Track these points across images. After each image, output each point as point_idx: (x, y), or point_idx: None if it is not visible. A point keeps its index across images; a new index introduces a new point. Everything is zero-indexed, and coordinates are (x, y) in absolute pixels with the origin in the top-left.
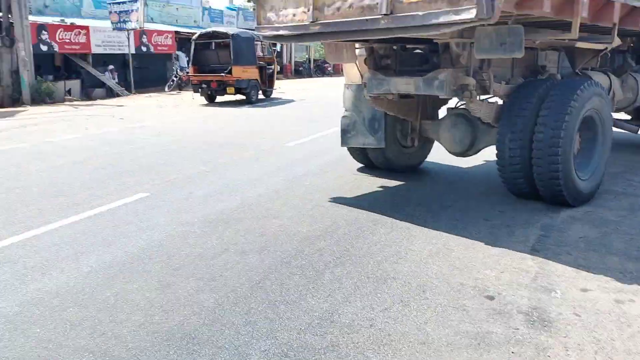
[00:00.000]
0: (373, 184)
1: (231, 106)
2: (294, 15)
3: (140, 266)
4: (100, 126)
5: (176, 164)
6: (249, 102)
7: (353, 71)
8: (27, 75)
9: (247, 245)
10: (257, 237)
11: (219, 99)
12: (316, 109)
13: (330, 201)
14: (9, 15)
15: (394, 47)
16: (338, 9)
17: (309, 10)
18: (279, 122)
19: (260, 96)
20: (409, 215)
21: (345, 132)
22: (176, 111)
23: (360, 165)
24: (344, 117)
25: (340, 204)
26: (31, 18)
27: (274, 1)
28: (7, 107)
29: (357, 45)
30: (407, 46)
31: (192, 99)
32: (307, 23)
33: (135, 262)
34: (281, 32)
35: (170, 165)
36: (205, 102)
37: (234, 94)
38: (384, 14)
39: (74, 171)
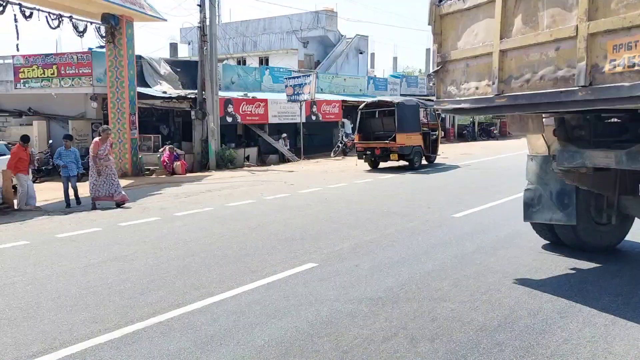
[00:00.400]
0: (558, 265)
1: (394, 172)
2: (477, 88)
3: (310, 345)
4: (273, 192)
5: (342, 232)
6: (412, 168)
7: (539, 142)
8: (214, 144)
9: (417, 331)
10: (428, 323)
11: (382, 164)
12: (483, 176)
13: (507, 285)
14: (203, 92)
15: (587, 117)
16: (527, 81)
17: (493, 83)
18: (444, 190)
19: (424, 162)
20: (605, 307)
21: (529, 206)
22: (341, 177)
23: (545, 242)
24: (527, 190)
25: (519, 288)
26: (220, 94)
27: (455, 75)
28: (196, 172)
29: (544, 115)
30: (603, 115)
31: (356, 165)
32: (491, 96)
33: (305, 340)
34: (462, 106)
35: (336, 233)
36: (369, 168)
37: (397, 160)
38: (582, 86)
39: (249, 236)
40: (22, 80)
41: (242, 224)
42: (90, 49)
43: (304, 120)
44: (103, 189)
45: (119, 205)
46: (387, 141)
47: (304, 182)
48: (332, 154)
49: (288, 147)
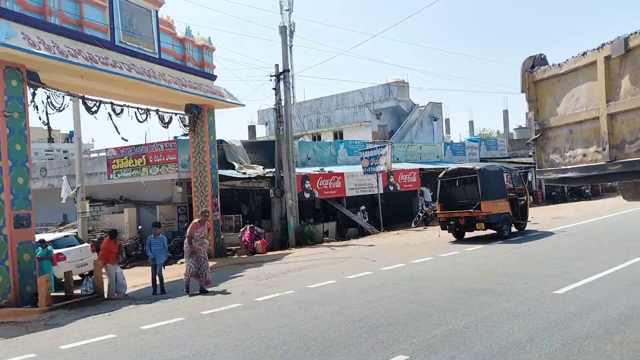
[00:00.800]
0: None
1: (482, 242)
2: (584, 155)
3: None
4: (355, 270)
5: (432, 316)
6: (501, 237)
7: None
8: (293, 221)
9: None
10: None
11: (467, 234)
12: (582, 243)
13: None
14: (280, 170)
15: None
16: None
17: (604, 150)
18: (540, 261)
19: (513, 229)
20: None
21: None
22: (424, 250)
23: None
24: None
25: None
26: (297, 170)
27: (557, 142)
28: (277, 250)
29: None
30: None
31: (439, 236)
32: (603, 163)
33: None
34: (570, 175)
35: (426, 317)
36: (453, 238)
37: (484, 230)
38: None
39: (332, 323)
40: (114, 171)
41: (324, 309)
42: (175, 137)
43: (381, 191)
44: (194, 270)
45: (202, 290)
46: (472, 210)
47: (386, 258)
48: (412, 224)
49: (367, 219)
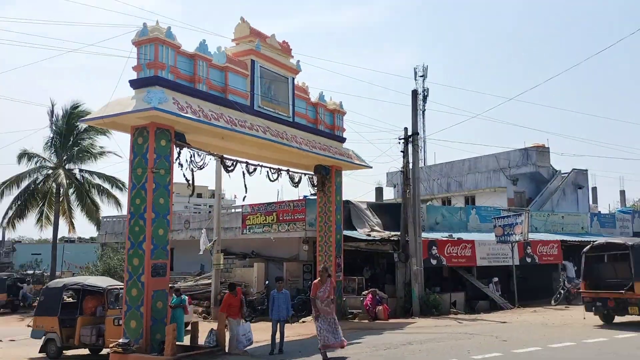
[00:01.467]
0: None
1: (636, 329)
2: None
3: None
4: (482, 349)
5: None
6: None
7: None
8: (417, 288)
9: None
10: None
11: (618, 319)
12: None
13: None
14: (406, 234)
15: None
16: None
17: None
18: None
19: None
20: None
21: None
22: (566, 333)
23: None
24: None
25: None
26: (423, 235)
27: None
28: (399, 318)
29: None
30: None
31: (584, 318)
32: None
33: None
34: None
35: None
36: (600, 322)
37: (639, 315)
38: None
39: None
40: (247, 227)
41: None
42: (305, 196)
43: (516, 262)
44: (330, 334)
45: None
46: (623, 291)
47: (519, 338)
48: (552, 302)
49: (499, 292)
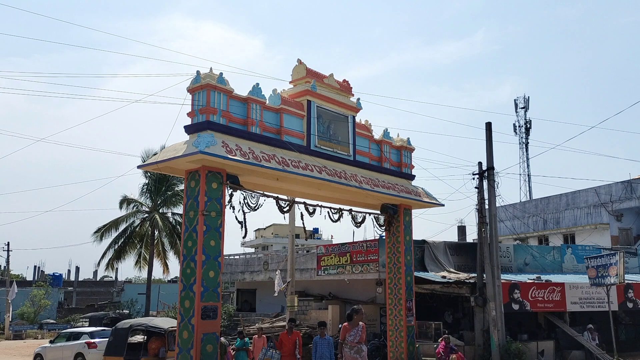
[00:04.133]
0: None
1: None
2: None
3: None
4: None
5: None
6: None
7: None
8: (496, 335)
9: None
10: None
11: None
12: None
13: None
14: (483, 276)
15: None
16: None
17: None
18: None
19: None
20: None
21: None
22: None
23: None
24: None
25: None
26: (509, 277)
27: None
28: None
29: None
30: None
31: None
32: None
33: None
34: None
35: None
36: None
37: None
38: None
39: None
40: (322, 268)
41: None
42: (381, 236)
43: (614, 308)
44: None
45: None
46: None
47: None
48: None
49: (597, 342)
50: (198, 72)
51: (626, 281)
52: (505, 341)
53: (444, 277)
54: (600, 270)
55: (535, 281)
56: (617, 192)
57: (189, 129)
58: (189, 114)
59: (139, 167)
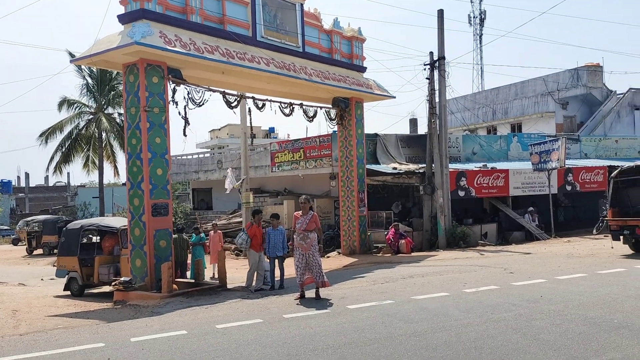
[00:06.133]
0: None
1: None
2: None
3: None
4: (480, 282)
5: (525, 355)
6: None
7: None
8: (443, 220)
9: None
10: None
11: None
12: None
13: None
14: (432, 166)
15: None
16: None
17: None
18: None
19: None
20: None
21: None
22: (585, 264)
23: None
24: None
25: None
26: (454, 166)
27: None
28: (425, 251)
29: None
30: None
31: (612, 248)
32: None
33: None
34: None
35: (515, 354)
36: (630, 252)
37: None
38: None
39: (402, 348)
40: (276, 164)
41: (406, 329)
42: (334, 131)
43: (554, 191)
44: (305, 271)
45: (317, 294)
46: None
47: (529, 270)
48: (594, 231)
49: (537, 222)
50: None
51: (567, 165)
52: (451, 226)
53: (394, 168)
54: (542, 156)
55: (481, 169)
56: (564, 80)
57: (122, 19)
58: (121, 2)
59: (71, 61)
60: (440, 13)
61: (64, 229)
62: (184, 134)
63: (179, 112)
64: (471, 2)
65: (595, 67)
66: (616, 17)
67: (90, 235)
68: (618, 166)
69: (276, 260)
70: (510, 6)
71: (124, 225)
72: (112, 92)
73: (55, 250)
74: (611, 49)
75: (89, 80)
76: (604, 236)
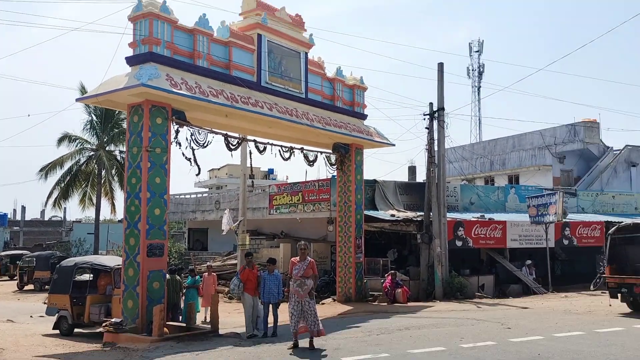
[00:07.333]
0: None
1: None
2: None
3: None
4: (477, 337)
5: None
6: None
7: None
8: (440, 270)
9: None
10: None
11: None
12: None
13: None
14: (430, 214)
15: None
16: None
17: None
18: None
19: None
20: None
21: None
22: (583, 321)
23: None
24: None
25: None
26: (452, 215)
27: None
28: (421, 301)
29: None
30: None
31: (609, 305)
32: None
33: None
34: None
35: None
36: (628, 310)
37: None
38: None
39: None
40: (274, 207)
41: None
42: (333, 176)
43: (551, 245)
44: (299, 319)
45: (310, 343)
46: None
47: (526, 326)
48: (592, 287)
49: (534, 276)
50: None
51: (564, 220)
52: (448, 276)
53: (392, 215)
54: (540, 209)
55: (479, 219)
56: (561, 135)
57: (130, 61)
58: (130, 45)
59: (77, 100)
60: (440, 66)
61: (58, 265)
62: (198, 173)
63: (183, 154)
64: (470, 55)
65: (592, 123)
66: (613, 75)
67: (84, 274)
68: (615, 222)
69: (270, 306)
70: (508, 62)
71: (118, 265)
72: (116, 130)
73: (47, 287)
74: (608, 106)
75: (94, 118)
76: (602, 292)
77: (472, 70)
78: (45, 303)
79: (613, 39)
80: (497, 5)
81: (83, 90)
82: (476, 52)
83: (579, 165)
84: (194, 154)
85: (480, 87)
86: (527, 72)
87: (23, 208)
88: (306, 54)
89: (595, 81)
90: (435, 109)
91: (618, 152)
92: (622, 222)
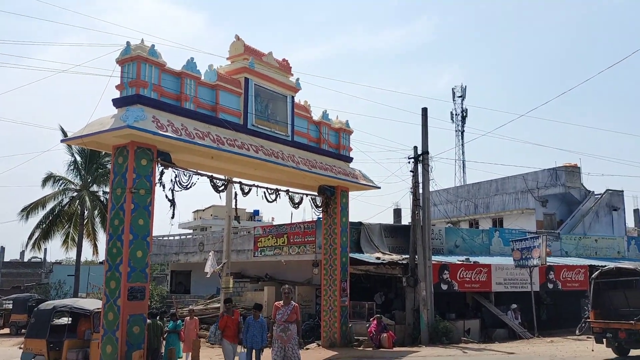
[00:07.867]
0: None
1: None
2: None
3: None
4: None
5: None
6: None
7: None
8: (426, 314)
9: None
10: None
11: (633, 352)
12: None
13: None
14: (415, 257)
15: None
16: None
17: None
18: None
19: None
20: None
21: None
22: None
23: None
24: None
25: None
26: (440, 258)
27: None
28: (406, 346)
29: None
30: None
31: (592, 351)
32: None
33: None
34: None
35: None
36: (613, 355)
37: None
38: None
39: None
40: (259, 249)
41: None
42: (318, 218)
43: (536, 289)
44: None
45: None
46: (633, 322)
47: None
48: (577, 331)
49: (519, 320)
50: (128, 42)
51: (548, 263)
52: (434, 320)
53: (378, 258)
54: (524, 253)
55: (464, 262)
56: (543, 179)
57: (117, 103)
58: (117, 87)
59: (62, 141)
60: (424, 111)
61: (35, 309)
62: (172, 217)
63: (166, 195)
64: (453, 100)
65: (573, 168)
66: (592, 121)
67: (62, 317)
68: (599, 266)
69: (253, 352)
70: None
71: (98, 308)
72: (100, 170)
73: (24, 331)
74: (588, 151)
75: (78, 158)
76: (587, 337)
77: (456, 114)
78: (20, 348)
79: (592, 86)
80: (480, 51)
81: (64, 132)
82: (459, 97)
83: (561, 209)
84: (173, 196)
85: (463, 131)
86: (509, 118)
87: (2, 249)
88: (293, 97)
89: (574, 127)
90: (419, 152)
91: (599, 196)
92: (605, 266)
